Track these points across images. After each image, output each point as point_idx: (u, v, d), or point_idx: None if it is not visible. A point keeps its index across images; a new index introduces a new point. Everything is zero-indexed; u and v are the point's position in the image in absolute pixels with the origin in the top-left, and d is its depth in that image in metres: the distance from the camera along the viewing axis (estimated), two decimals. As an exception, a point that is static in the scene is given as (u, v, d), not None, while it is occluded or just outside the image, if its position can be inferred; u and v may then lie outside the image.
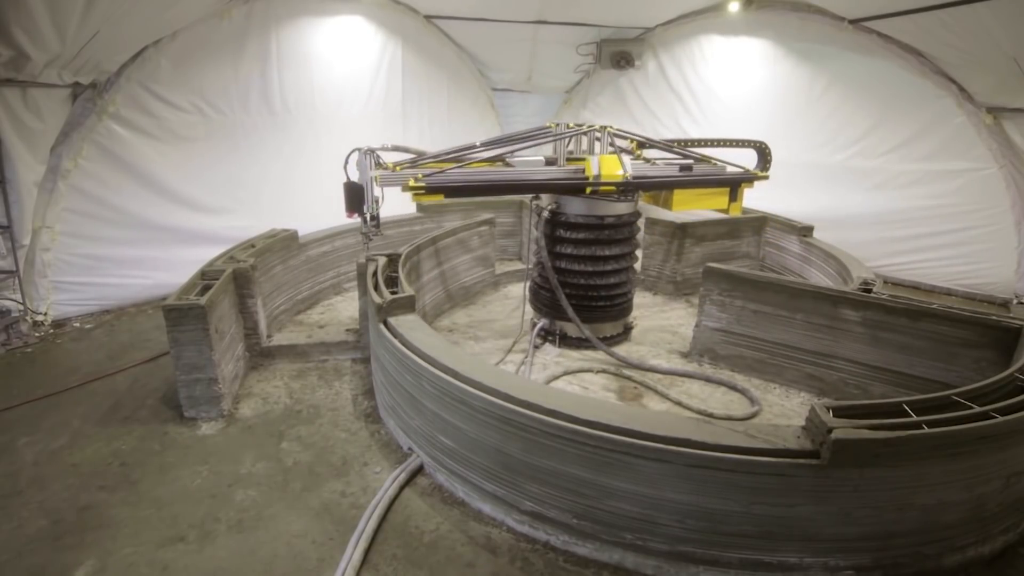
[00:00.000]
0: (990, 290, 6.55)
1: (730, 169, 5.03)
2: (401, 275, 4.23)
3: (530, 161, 4.74)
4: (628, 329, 5.21)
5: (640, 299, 5.91)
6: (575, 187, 4.47)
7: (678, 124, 8.22)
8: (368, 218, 4.08)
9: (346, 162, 4.08)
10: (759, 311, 4.42)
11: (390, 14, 7.38)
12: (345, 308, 5.84)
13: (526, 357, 4.79)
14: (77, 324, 5.57)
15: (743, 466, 2.44)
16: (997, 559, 2.80)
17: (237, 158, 6.43)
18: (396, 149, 4.39)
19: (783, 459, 2.43)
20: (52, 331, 5.38)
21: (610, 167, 4.39)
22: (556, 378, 4.51)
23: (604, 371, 4.63)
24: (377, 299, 3.79)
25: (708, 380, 4.53)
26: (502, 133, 8.94)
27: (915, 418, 2.50)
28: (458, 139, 8.38)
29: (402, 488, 3.26)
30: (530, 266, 5.15)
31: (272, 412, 4.07)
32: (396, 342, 3.50)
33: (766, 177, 5.10)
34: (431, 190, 4.03)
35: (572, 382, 4.49)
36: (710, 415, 3.99)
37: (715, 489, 2.51)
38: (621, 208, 4.74)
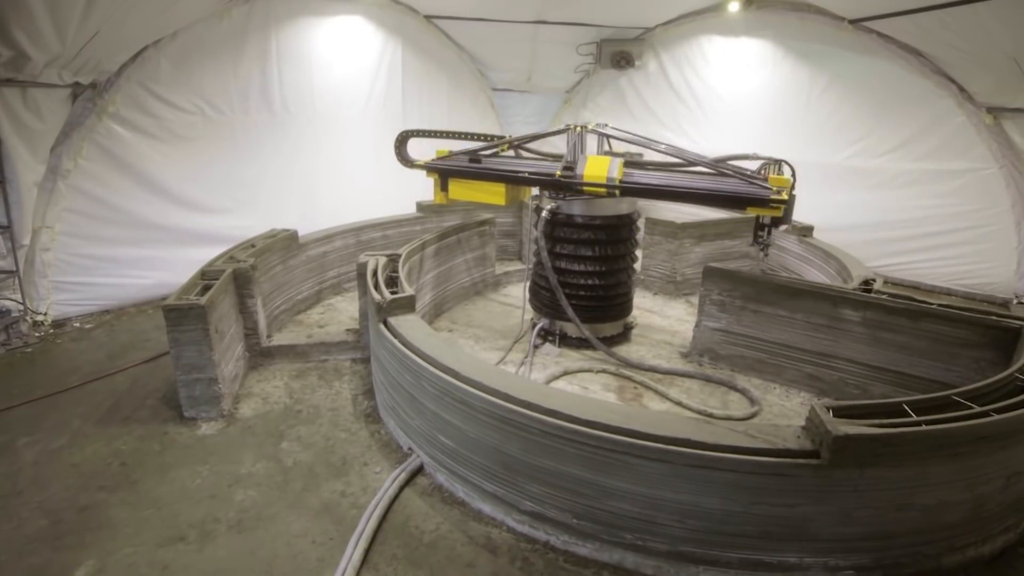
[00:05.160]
0: (990, 290, 6.55)
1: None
2: (401, 275, 4.23)
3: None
4: (628, 329, 5.21)
5: (640, 299, 5.91)
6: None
7: (678, 124, 8.22)
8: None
9: None
10: (759, 311, 4.42)
11: (390, 14, 7.38)
12: (345, 308, 5.84)
13: (526, 357, 4.80)
14: (77, 324, 5.56)
15: (743, 466, 2.44)
16: (997, 559, 2.80)
17: (237, 158, 6.43)
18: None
19: (783, 459, 2.43)
20: (52, 331, 5.38)
21: (596, 168, 4.39)
22: (556, 378, 4.51)
23: (604, 371, 4.63)
24: (377, 299, 3.79)
25: (708, 380, 4.53)
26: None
27: (915, 418, 2.50)
28: (458, 139, 8.47)
29: (402, 488, 3.26)
30: (530, 266, 5.15)
31: (272, 412, 4.06)
32: (396, 342, 3.50)
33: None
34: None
35: (572, 382, 4.49)
36: (710, 415, 3.99)
37: (715, 489, 2.51)
38: (621, 208, 4.74)
